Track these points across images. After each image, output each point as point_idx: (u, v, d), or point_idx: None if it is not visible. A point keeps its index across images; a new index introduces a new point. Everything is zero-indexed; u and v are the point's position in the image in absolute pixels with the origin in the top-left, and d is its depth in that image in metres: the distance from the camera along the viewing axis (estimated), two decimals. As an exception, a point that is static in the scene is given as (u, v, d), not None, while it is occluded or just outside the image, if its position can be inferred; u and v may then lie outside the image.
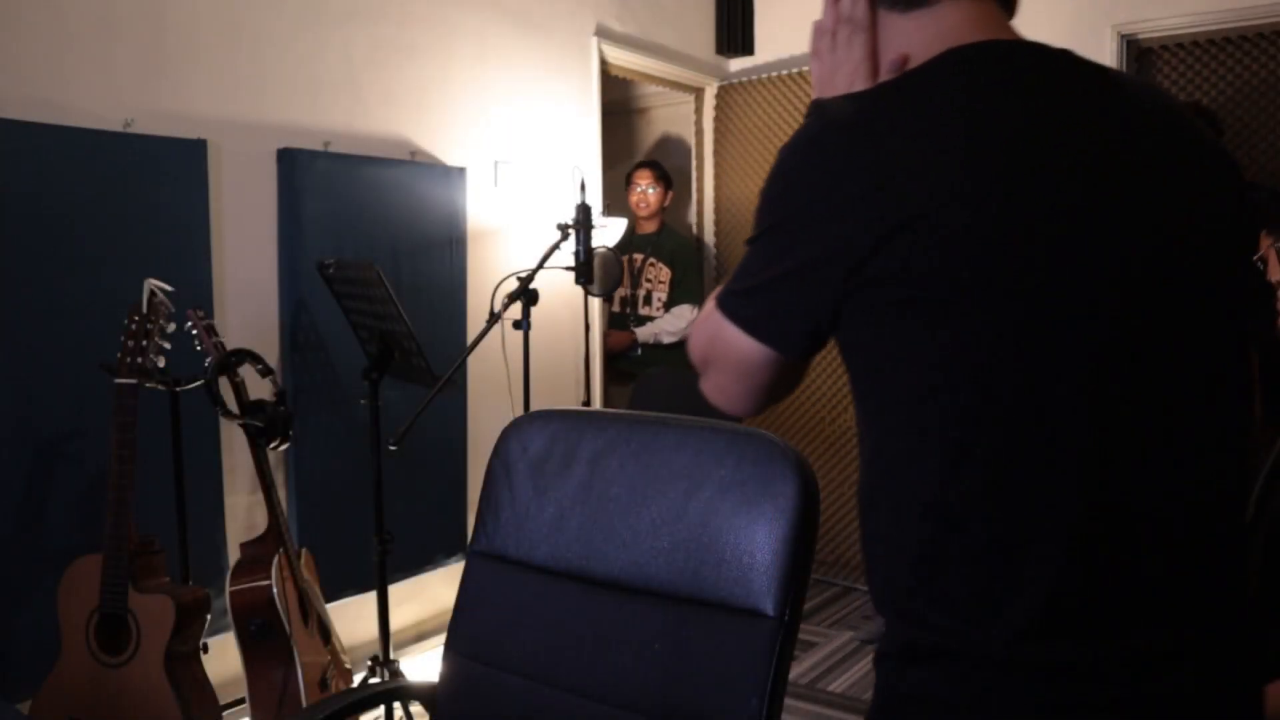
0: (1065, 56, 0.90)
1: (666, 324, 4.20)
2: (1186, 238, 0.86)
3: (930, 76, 0.88)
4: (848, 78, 0.99)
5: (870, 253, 0.81)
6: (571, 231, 2.97)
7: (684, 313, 4.21)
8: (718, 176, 4.61)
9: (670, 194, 4.33)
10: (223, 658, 2.49)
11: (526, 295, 2.69)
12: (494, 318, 2.61)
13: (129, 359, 2.10)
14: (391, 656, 2.59)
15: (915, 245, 0.79)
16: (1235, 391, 0.87)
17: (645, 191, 4.24)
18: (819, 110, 0.92)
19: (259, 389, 2.38)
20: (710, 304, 0.96)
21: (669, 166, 4.39)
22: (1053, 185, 0.82)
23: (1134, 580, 0.82)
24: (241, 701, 2.38)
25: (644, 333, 4.21)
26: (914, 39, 0.95)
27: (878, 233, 0.80)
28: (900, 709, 0.89)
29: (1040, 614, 0.80)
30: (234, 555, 2.51)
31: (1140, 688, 0.82)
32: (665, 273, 4.26)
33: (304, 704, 2.28)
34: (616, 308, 4.29)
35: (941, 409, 0.82)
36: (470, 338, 2.85)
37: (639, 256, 4.26)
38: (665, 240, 4.31)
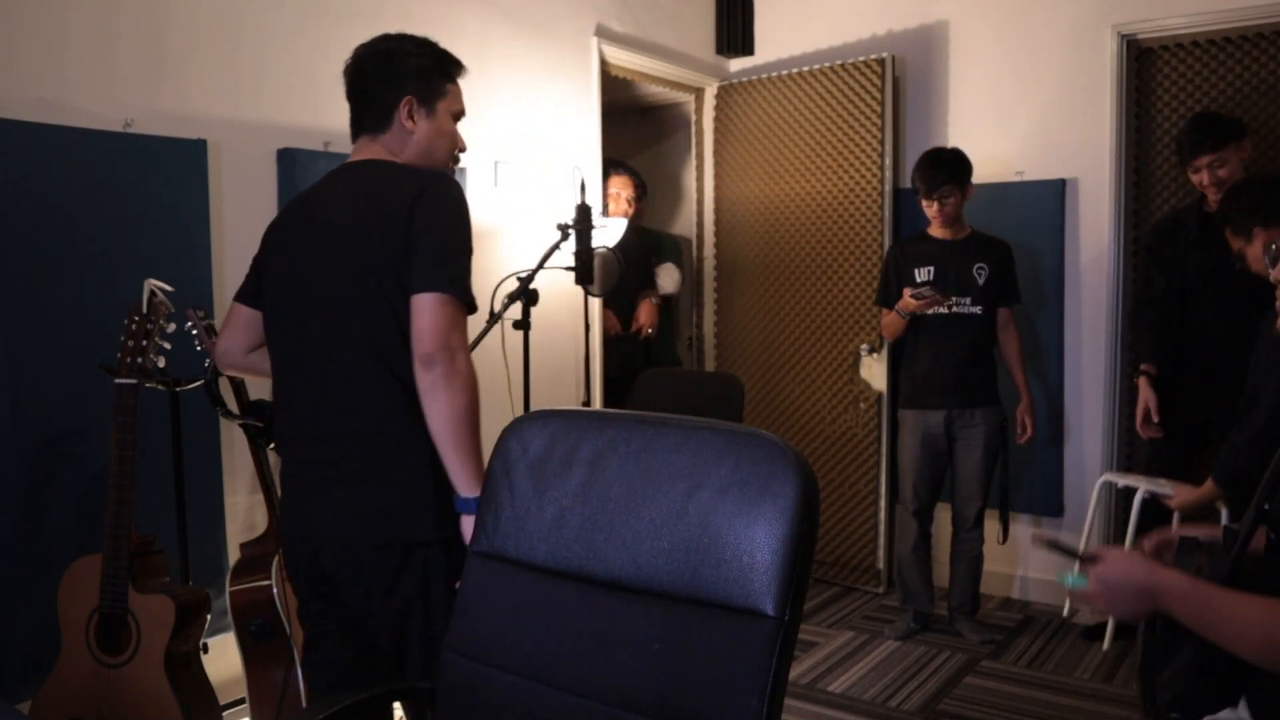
0: (354, 167, 1.82)
1: (664, 282, 4.39)
2: (358, 257, 1.70)
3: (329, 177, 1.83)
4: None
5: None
6: (571, 231, 2.97)
7: (671, 269, 4.39)
8: (718, 176, 4.61)
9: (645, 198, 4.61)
10: (223, 658, 2.49)
11: (526, 295, 2.69)
12: (494, 318, 2.61)
13: (129, 359, 2.11)
14: (391, 656, 2.59)
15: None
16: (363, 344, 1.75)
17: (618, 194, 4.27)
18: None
19: (259, 389, 2.38)
20: (442, 307, 1.71)
21: (668, 166, 4.41)
22: (311, 233, 1.77)
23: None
24: (241, 701, 2.39)
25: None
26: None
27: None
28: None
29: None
30: (234, 555, 2.51)
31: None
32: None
33: (304, 704, 2.28)
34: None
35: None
36: (470, 338, 2.84)
37: None
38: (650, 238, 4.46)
